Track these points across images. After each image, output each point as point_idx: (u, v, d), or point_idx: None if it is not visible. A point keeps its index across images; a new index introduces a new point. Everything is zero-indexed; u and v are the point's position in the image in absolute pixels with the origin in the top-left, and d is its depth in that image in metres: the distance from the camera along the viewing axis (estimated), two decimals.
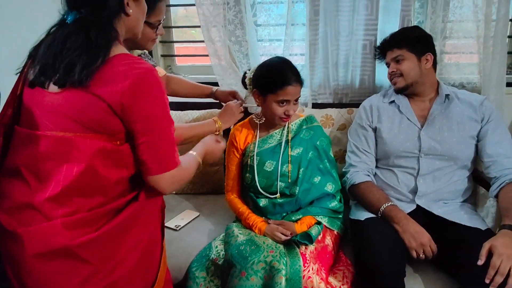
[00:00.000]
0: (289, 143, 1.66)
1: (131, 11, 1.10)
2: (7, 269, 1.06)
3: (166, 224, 1.88)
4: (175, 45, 2.43)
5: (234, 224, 1.71)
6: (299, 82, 1.57)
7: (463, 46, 1.98)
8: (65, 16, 1.07)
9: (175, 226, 1.87)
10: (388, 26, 1.97)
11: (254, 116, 1.75)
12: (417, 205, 1.65)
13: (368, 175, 1.75)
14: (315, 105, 2.16)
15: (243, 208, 1.72)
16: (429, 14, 1.89)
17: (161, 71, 1.81)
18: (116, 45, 1.06)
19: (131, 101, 1.01)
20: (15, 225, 1.02)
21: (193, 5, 2.03)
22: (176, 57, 2.43)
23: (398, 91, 1.77)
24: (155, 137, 1.05)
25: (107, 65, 1.01)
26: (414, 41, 1.70)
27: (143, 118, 1.03)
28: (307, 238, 1.53)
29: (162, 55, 2.40)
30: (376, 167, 1.81)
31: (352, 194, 1.78)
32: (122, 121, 1.04)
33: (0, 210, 1.05)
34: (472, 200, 1.76)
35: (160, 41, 2.37)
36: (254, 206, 1.71)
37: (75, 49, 1.00)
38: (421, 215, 1.61)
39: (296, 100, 1.59)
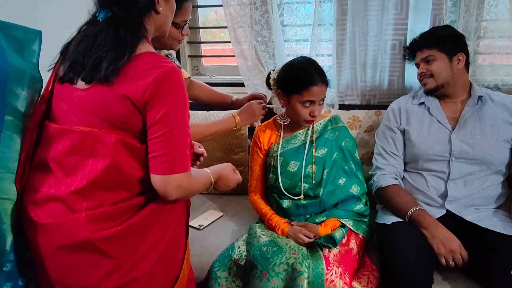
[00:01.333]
0: (314, 144, 1.63)
1: (161, 8, 1.11)
2: (33, 258, 1.09)
3: (189, 223, 1.89)
4: (203, 46, 2.44)
5: (257, 225, 1.70)
6: (325, 82, 1.54)
7: (498, 46, 1.90)
8: (97, 14, 1.09)
9: (199, 225, 1.87)
10: (419, 25, 1.91)
11: (278, 117, 1.73)
12: (447, 211, 1.59)
13: (396, 179, 1.70)
14: (342, 107, 2.13)
15: (266, 209, 1.70)
16: (461, 12, 1.82)
17: (185, 74, 1.83)
18: (143, 43, 1.07)
19: (152, 97, 1.01)
20: (42, 216, 1.05)
21: (221, 5, 2.03)
22: (203, 58, 2.45)
23: (429, 92, 1.72)
24: (169, 135, 1.03)
25: (132, 63, 1.02)
26: (445, 40, 1.65)
27: (161, 115, 1.02)
28: (331, 241, 1.50)
29: (189, 56, 2.42)
30: (404, 170, 1.76)
31: (378, 198, 1.73)
32: (143, 119, 1.04)
33: (29, 202, 1.08)
34: (506, 206, 1.67)
35: (188, 42, 2.39)
36: (278, 207, 1.69)
37: (104, 45, 1.02)
38: (451, 221, 1.55)
39: (322, 100, 1.57)
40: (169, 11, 1.16)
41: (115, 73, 1.00)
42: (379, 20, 1.93)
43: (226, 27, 2.07)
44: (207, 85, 1.93)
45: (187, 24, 1.50)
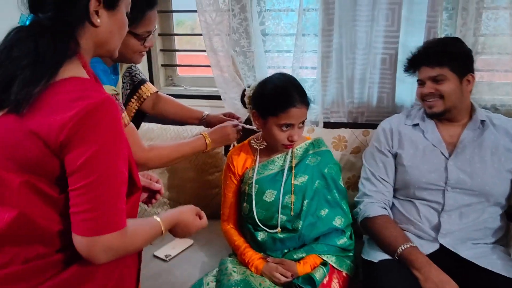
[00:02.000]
0: (293, 170, 1.45)
1: (99, 21, 0.89)
2: None
3: (155, 253, 1.71)
4: (178, 54, 2.25)
5: (229, 259, 1.51)
6: (305, 103, 1.37)
7: (497, 63, 1.75)
8: (25, 18, 0.88)
9: (165, 256, 1.69)
10: (412, 39, 1.76)
11: (253, 140, 1.55)
12: (441, 245, 1.43)
13: (385, 208, 1.53)
14: (327, 124, 1.95)
15: (239, 241, 1.52)
16: (458, 26, 1.66)
17: (151, 88, 1.64)
18: (72, 62, 0.86)
19: (71, 138, 0.79)
20: None
21: (195, 11, 1.85)
22: (177, 68, 2.26)
23: (433, 115, 1.53)
24: (93, 186, 0.81)
25: (51, 89, 0.81)
26: (458, 58, 1.45)
27: (83, 161, 0.80)
28: (310, 282, 1.32)
29: (162, 65, 2.23)
30: (394, 197, 1.59)
31: (364, 229, 1.55)
32: (62, 163, 0.83)
33: None
34: (504, 241, 1.51)
35: (161, 50, 2.20)
36: (252, 239, 1.50)
37: (20, 59, 0.81)
38: (445, 257, 1.39)
39: (302, 123, 1.39)
40: (115, 26, 0.94)
41: (27, 101, 0.79)
42: (368, 31, 1.76)
43: (201, 35, 1.88)
44: (176, 100, 1.74)
45: (151, 35, 1.31)
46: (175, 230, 1.10)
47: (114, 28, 0.93)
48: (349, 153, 1.84)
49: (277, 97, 1.36)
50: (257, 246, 1.49)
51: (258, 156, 1.50)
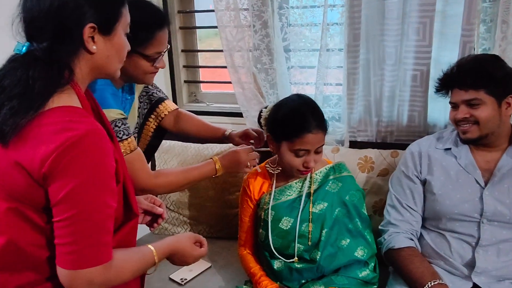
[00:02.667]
0: (311, 197, 1.36)
1: (94, 47, 0.86)
2: None
3: (171, 276, 1.67)
4: (202, 70, 2.23)
5: (245, 287, 1.44)
6: (322, 128, 1.29)
7: None
8: (20, 47, 0.86)
9: (181, 279, 1.64)
10: (445, 54, 1.63)
11: (268, 164, 1.48)
12: (474, 284, 1.31)
13: (411, 239, 1.42)
14: (354, 144, 1.85)
15: (255, 269, 1.45)
16: (497, 40, 1.52)
17: (170, 105, 1.61)
18: (63, 91, 0.84)
19: (54, 170, 0.78)
20: None
21: (216, 27, 1.81)
22: (201, 84, 2.23)
23: (468, 142, 1.39)
24: (75, 219, 0.80)
25: (36, 120, 0.80)
26: (496, 80, 1.29)
27: (64, 193, 0.79)
28: None
29: (185, 81, 2.20)
30: (423, 227, 1.47)
31: (389, 260, 1.44)
32: (47, 193, 0.82)
33: None
34: None
35: (184, 66, 2.18)
36: (268, 267, 1.43)
37: (10, 89, 0.80)
38: None
39: (319, 148, 1.30)
40: (113, 50, 0.91)
41: (13, 131, 0.78)
42: (398, 46, 1.65)
43: (222, 51, 1.84)
44: (197, 117, 1.70)
45: (162, 56, 1.28)
46: (172, 259, 1.08)
47: (111, 52, 0.91)
48: (376, 175, 1.73)
49: (292, 121, 1.29)
50: (273, 275, 1.41)
51: (275, 181, 1.43)
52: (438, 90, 1.43)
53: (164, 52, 1.29)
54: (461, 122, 1.35)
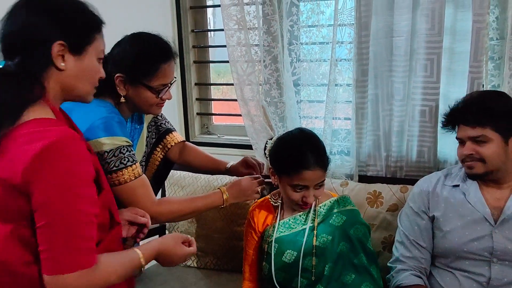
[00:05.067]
0: (315, 231, 1.35)
1: (63, 65, 0.91)
2: None
3: None
4: (214, 103, 2.28)
5: None
6: (322, 165, 1.29)
7: None
8: None
9: None
10: (453, 89, 1.64)
11: (271, 197, 1.48)
12: None
13: (420, 277, 1.38)
14: (363, 178, 1.84)
15: None
16: (506, 77, 1.52)
17: (177, 137, 1.65)
18: (37, 105, 0.89)
19: (32, 179, 0.82)
20: None
21: (227, 61, 1.87)
22: (213, 116, 2.28)
23: (474, 177, 1.37)
24: (50, 226, 0.83)
25: (12, 133, 0.85)
26: (502, 116, 1.28)
27: (40, 201, 0.83)
28: None
29: (198, 113, 2.25)
30: (433, 265, 1.43)
31: None
32: (28, 201, 0.85)
33: None
34: None
35: (197, 99, 2.24)
36: None
37: None
38: None
39: (319, 184, 1.31)
40: (82, 71, 0.95)
41: None
42: (406, 82, 1.67)
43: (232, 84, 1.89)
44: (201, 150, 1.73)
45: (168, 88, 1.32)
46: (159, 261, 1.09)
47: (81, 73, 0.94)
48: (385, 210, 1.70)
49: (290, 157, 1.30)
50: None
51: (279, 213, 1.43)
52: (444, 125, 1.42)
53: (172, 84, 1.33)
54: (467, 158, 1.33)
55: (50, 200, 0.83)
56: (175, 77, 1.36)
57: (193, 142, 2.16)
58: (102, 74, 1.02)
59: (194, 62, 2.20)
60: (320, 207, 1.40)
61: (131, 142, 1.31)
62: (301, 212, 1.40)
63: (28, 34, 0.88)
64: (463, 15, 1.58)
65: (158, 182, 1.75)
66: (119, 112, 1.31)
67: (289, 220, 1.41)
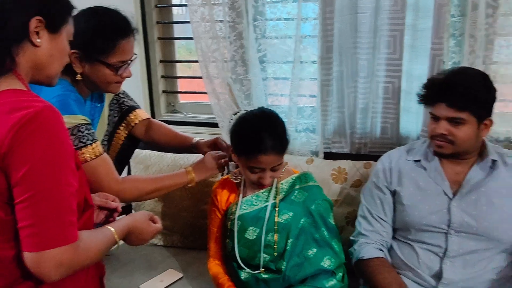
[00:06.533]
0: (277, 207, 1.36)
1: (39, 41, 0.88)
2: None
3: (141, 286, 1.64)
4: (181, 80, 2.24)
5: None
6: (279, 149, 1.29)
7: (510, 93, 1.60)
8: None
9: None
10: (416, 67, 1.65)
11: (231, 174, 1.48)
12: None
13: (381, 249, 1.41)
14: (329, 155, 1.86)
15: (223, 279, 1.44)
16: (465, 54, 1.55)
17: (142, 114, 1.61)
18: (8, 78, 0.86)
19: (12, 150, 0.78)
20: None
21: (191, 38, 1.83)
22: (179, 94, 2.24)
23: (440, 156, 1.39)
24: (34, 200, 0.80)
25: None
26: (484, 102, 1.28)
27: (22, 174, 0.79)
28: None
29: (163, 91, 2.21)
30: (394, 238, 1.46)
31: (358, 271, 1.43)
32: (5, 177, 0.81)
33: None
34: None
35: (162, 76, 2.19)
36: (236, 278, 1.42)
37: None
38: None
39: (276, 167, 1.32)
40: (56, 50, 0.92)
41: None
42: (370, 59, 1.68)
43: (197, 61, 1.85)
44: (168, 126, 1.70)
45: (127, 65, 1.28)
46: (130, 238, 1.08)
47: (54, 52, 0.92)
48: (349, 186, 1.73)
49: (247, 141, 1.30)
50: (241, 285, 1.40)
51: (241, 191, 1.43)
52: (422, 101, 1.37)
53: (131, 61, 1.29)
54: (438, 137, 1.32)
55: (33, 171, 0.79)
56: (135, 54, 1.31)
57: (159, 120, 2.13)
58: (68, 59, 1.00)
59: (159, 38, 2.14)
60: (282, 184, 1.41)
61: (89, 120, 1.27)
62: (264, 190, 1.41)
63: (9, 4, 0.85)
64: None
65: (122, 161, 1.72)
66: (76, 90, 1.27)
67: (252, 198, 1.41)
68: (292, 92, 1.78)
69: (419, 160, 1.44)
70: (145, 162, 1.97)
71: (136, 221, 1.09)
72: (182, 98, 2.27)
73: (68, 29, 0.95)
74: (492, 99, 1.30)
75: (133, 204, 2.00)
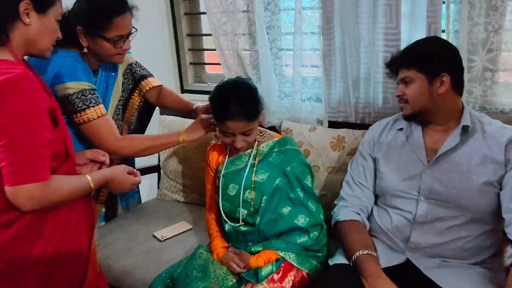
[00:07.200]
0: (255, 167, 1.49)
1: (28, 20, 1.08)
2: None
3: (154, 233, 1.88)
4: (208, 52, 2.40)
5: (205, 246, 1.62)
6: (245, 116, 1.38)
7: None
8: None
9: (161, 236, 1.85)
10: (415, 36, 1.62)
11: (214, 136, 1.62)
12: (408, 259, 1.35)
13: (358, 213, 1.47)
14: (334, 124, 1.91)
15: (213, 230, 1.62)
16: (463, 21, 1.50)
17: (151, 82, 1.80)
18: (1, 50, 1.06)
19: None
20: None
21: (205, 13, 1.97)
22: (206, 66, 2.41)
23: (406, 118, 1.44)
24: (9, 146, 1.00)
25: None
26: (423, 58, 1.33)
27: (1, 123, 1.00)
28: (255, 275, 1.36)
29: (190, 63, 2.40)
30: (375, 203, 1.52)
31: (335, 233, 1.51)
32: None
33: None
34: (490, 264, 1.34)
35: (189, 49, 2.37)
36: (222, 230, 1.59)
37: None
38: (410, 272, 1.31)
39: (247, 132, 1.42)
40: (45, 28, 1.12)
41: None
42: (370, 29, 1.68)
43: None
44: (175, 93, 1.88)
45: (125, 39, 1.46)
46: (110, 186, 1.29)
47: (43, 30, 1.11)
48: (346, 154, 1.78)
49: (216, 107, 1.41)
50: (226, 236, 1.57)
51: (228, 152, 1.58)
52: (388, 74, 1.47)
53: (129, 35, 1.48)
54: (399, 100, 1.41)
55: (8, 123, 0.99)
56: (135, 28, 1.49)
57: (187, 90, 2.34)
58: (59, 34, 1.20)
59: (185, 14, 2.32)
60: (263, 147, 1.53)
61: (94, 87, 1.48)
62: (247, 151, 1.54)
63: None
64: None
65: (143, 123, 1.95)
66: (84, 61, 1.49)
67: (235, 158, 1.55)
68: (295, 62, 1.85)
69: (402, 129, 1.47)
70: (170, 126, 2.19)
71: (114, 173, 1.30)
72: (209, 69, 2.44)
73: (56, 10, 1.14)
74: (439, 55, 1.33)
75: (161, 163, 2.24)
